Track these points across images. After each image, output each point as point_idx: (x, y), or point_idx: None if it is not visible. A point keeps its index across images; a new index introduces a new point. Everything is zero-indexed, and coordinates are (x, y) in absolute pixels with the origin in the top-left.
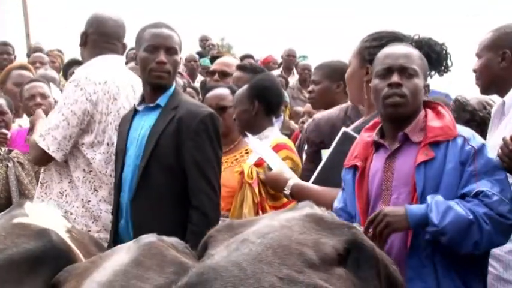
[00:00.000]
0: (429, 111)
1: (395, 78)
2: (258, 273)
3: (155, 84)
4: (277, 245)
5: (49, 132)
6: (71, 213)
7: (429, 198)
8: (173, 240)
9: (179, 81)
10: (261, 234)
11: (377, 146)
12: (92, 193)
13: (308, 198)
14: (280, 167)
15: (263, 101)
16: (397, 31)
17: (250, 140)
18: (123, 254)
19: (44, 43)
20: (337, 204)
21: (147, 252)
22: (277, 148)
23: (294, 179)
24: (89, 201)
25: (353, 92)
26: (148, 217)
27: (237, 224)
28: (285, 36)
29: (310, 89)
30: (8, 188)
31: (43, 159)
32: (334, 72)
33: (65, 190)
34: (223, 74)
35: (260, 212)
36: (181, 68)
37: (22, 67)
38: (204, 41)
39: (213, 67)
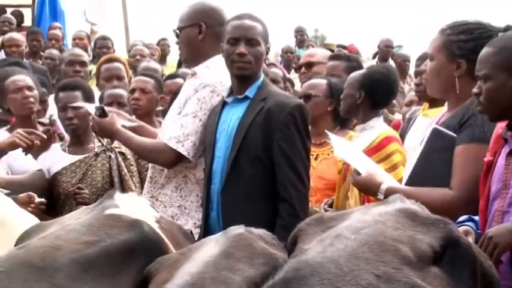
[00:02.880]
0: None
1: None
2: (354, 270)
3: (238, 75)
4: (373, 241)
5: (188, 138)
6: (185, 208)
7: None
8: (261, 231)
9: (276, 71)
10: (355, 230)
11: (506, 140)
12: None
13: None
14: (369, 169)
15: (369, 93)
16: (482, 21)
17: (332, 140)
18: (212, 246)
19: (143, 36)
20: None
21: (236, 244)
22: (386, 141)
23: (386, 182)
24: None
25: (438, 86)
26: (238, 209)
27: (327, 217)
28: (378, 27)
29: (417, 81)
30: (111, 179)
31: (175, 162)
32: None
33: (180, 185)
34: (309, 65)
35: (366, 203)
36: (278, 59)
37: (110, 60)
38: (299, 32)
39: (300, 61)
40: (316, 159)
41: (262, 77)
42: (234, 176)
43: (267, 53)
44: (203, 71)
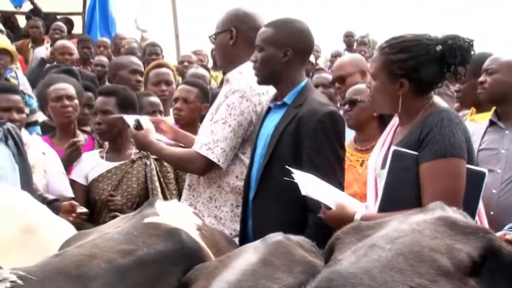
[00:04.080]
0: None
1: None
2: (389, 282)
3: (257, 83)
4: (408, 251)
5: (217, 144)
6: (220, 218)
7: None
8: (300, 238)
9: (325, 76)
10: (390, 239)
11: None
12: (242, 198)
13: None
14: (339, 201)
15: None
16: (420, 35)
17: (296, 176)
18: (251, 253)
19: (193, 43)
20: None
21: (275, 252)
22: None
23: (359, 212)
24: (239, 206)
25: (384, 104)
26: (268, 218)
27: (364, 226)
28: (429, 30)
29: (456, 88)
30: (146, 186)
31: (207, 170)
32: (478, 69)
33: (214, 195)
34: (341, 79)
35: None
36: (328, 64)
37: (158, 66)
38: (349, 37)
39: (333, 76)
40: (361, 165)
41: (303, 82)
42: (265, 184)
43: (303, 57)
44: (235, 76)
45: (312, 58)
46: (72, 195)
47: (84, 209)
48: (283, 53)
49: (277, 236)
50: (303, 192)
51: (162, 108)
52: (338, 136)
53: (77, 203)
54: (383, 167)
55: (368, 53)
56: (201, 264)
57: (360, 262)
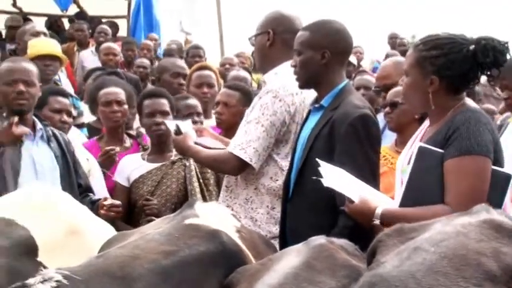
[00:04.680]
0: None
1: None
2: (433, 286)
3: (298, 87)
4: (453, 254)
5: (250, 144)
6: (256, 220)
7: None
8: (343, 242)
9: (368, 78)
10: (434, 242)
11: None
12: (278, 199)
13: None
14: (362, 195)
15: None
16: (455, 34)
17: (321, 168)
18: (293, 257)
19: (237, 46)
20: None
21: (317, 255)
22: None
23: (381, 206)
24: (274, 208)
25: (415, 102)
26: (301, 221)
27: (407, 228)
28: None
29: (504, 95)
30: (185, 187)
31: (241, 170)
32: None
33: (251, 197)
34: (387, 88)
35: None
36: (372, 66)
37: (201, 68)
38: (393, 38)
39: (376, 84)
40: None
41: (342, 84)
42: (299, 187)
43: (341, 59)
44: (271, 77)
45: (353, 60)
46: (106, 194)
47: (116, 202)
48: (321, 55)
49: (319, 239)
50: (325, 184)
51: (199, 110)
52: (370, 140)
53: (108, 196)
54: (409, 163)
55: None
56: (243, 267)
57: (404, 265)
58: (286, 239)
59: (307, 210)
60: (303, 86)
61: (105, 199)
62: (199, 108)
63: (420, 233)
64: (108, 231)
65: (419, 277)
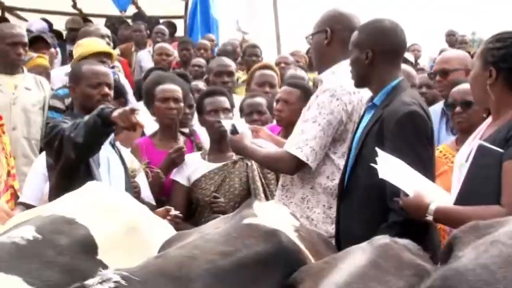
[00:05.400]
0: None
1: None
2: (508, 278)
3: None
4: None
5: (307, 143)
6: (312, 219)
7: None
8: (406, 241)
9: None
10: None
11: None
12: (334, 199)
13: (456, 221)
14: (418, 189)
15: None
16: None
17: (379, 159)
18: (358, 256)
19: (294, 45)
20: None
21: (383, 254)
22: None
23: (435, 202)
24: (331, 207)
25: (476, 94)
26: (354, 219)
27: (483, 225)
28: None
29: None
30: (248, 186)
31: (297, 169)
32: None
33: (307, 196)
34: (444, 72)
35: None
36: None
37: (264, 67)
38: (450, 36)
39: (434, 68)
40: None
41: (394, 82)
42: (351, 186)
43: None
44: (328, 76)
45: (411, 57)
46: (154, 203)
47: (177, 213)
48: (365, 55)
49: (383, 239)
50: (381, 176)
51: (261, 109)
52: (419, 137)
53: (171, 208)
54: (467, 160)
55: (471, 51)
56: (306, 266)
57: (480, 258)
58: (340, 238)
59: (360, 208)
60: (356, 85)
61: (168, 210)
62: (262, 107)
63: (496, 228)
64: (166, 230)
65: (494, 269)
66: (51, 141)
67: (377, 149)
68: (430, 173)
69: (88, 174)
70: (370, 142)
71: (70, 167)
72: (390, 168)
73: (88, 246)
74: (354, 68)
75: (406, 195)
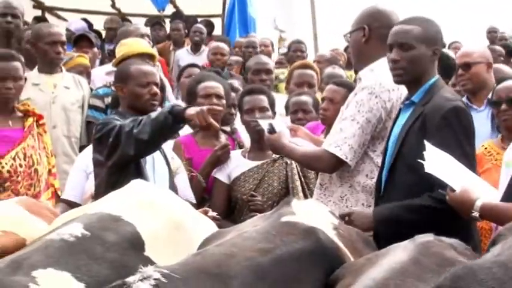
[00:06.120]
0: None
1: None
2: None
3: (396, 82)
4: None
5: (345, 141)
6: None
7: None
8: (453, 240)
9: None
10: None
11: None
12: (373, 198)
13: (502, 218)
14: (465, 184)
15: None
16: None
17: (427, 152)
18: (400, 252)
19: (331, 43)
20: None
21: (425, 251)
22: None
23: (481, 198)
24: (370, 205)
25: None
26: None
27: None
28: None
29: None
30: (287, 185)
31: (336, 167)
32: None
33: (345, 195)
34: (466, 66)
35: None
36: None
37: (303, 66)
38: (491, 33)
39: (457, 62)
40: None
41: (432, 80)
42: (391, 184)
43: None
44: (367, 74)
45: (451, 54)
46: (194, 201)
47: (215, 214)
48: (432, 51)
49: (427, 237)
50: (427, 170)
51: (307, 107)
52: (465, 132)
53: (209, 209)
54: None
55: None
56: (349, 262)
57: (502, 255)
58: (378, 236)
59: None
60: (407, 81)
61: (206, 211)
62: (307, 105)
63: None
64: (210, 227)
65: (511, 266)
66: (104, 138)
67: (425, 142)
68: (474, 169)
69: (137, 172)
70: (412, 139)
71: (125, 163)
72: (437, 162)
73: (135, 243)
74: (416, 63)
75: (453, 190)
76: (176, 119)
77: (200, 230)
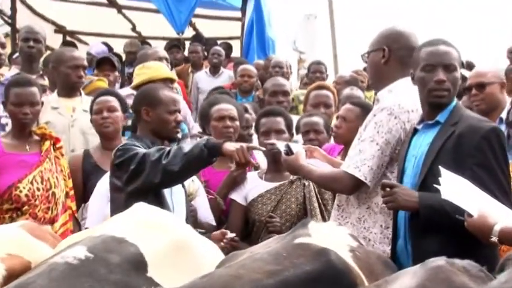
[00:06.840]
0: None
1: None
2: None
3: (434, 103)
4: None
5: (365, 162)
6: (369, 240)
7: None
8: (466, 263)
9: None
10: None
11: None
12: (391, 219)
13: None
14: (482, 209)
15: None
16: None
17: (442, 178)
18: (408, 279)
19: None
20: None
21: (433, 277)
22: None
23: (500, 223)
24: (388, 227)
25: None
26: (426, 237)
27: None
28: None
29: None
30: (305, 207)
31: (355, 188)
32: None
33: (363, 216)
34: (480, 86)
35: None
36: None
37: (319, 87)
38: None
39: (468, 82)
40: None
41: (455, 101)
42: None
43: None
44: (385, 95)
45: (467, 74)
46: (214, 223)
47: (233, 235)
48: (462, 77)
49: (438, 261)
50: (443, 196)
51: (318, 128)
52: (503, 153)
53: (227, 231)
54: None
55: None
56: None
57: (509, 282)
58: (397, 255)
59: (432, 225)
60: (449, 102)
61: (224, 233)
62: (318, 126)
63: None
64: (214, 248)
65: None
66: (125, 164)
67: (440, 168)
68: (509, 187)
69: (156, 198)
70: (444, 159)
71: (147, 190)
72: (454, 187)
73: (138, 264)
74: (457, 85)
75: (470, 215)
76: (211, 152)
77: (205, 250)
